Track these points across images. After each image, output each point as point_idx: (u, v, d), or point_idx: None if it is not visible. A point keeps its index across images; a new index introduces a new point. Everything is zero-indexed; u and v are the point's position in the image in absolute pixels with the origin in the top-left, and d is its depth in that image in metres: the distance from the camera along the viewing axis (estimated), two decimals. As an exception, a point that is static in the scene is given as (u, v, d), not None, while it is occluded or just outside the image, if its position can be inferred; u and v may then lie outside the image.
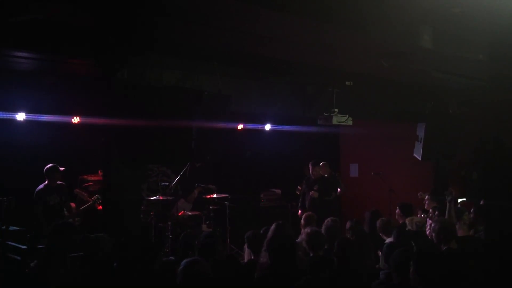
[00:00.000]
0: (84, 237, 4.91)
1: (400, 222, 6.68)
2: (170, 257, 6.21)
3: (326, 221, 5.83)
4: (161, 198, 8.55)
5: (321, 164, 9.59)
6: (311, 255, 5.02)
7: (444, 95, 9.65)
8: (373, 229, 6.30)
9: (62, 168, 7.19)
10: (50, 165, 7.13)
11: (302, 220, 6.34)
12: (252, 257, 5.21)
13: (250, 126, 9.87)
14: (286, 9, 4.88)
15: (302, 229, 6.20)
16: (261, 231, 5.55)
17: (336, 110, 8.20)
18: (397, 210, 6.96)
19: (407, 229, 6.17)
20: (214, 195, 9.03)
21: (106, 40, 5.42)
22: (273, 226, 5.43)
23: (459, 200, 8.83)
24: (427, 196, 7.90)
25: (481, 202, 7.98)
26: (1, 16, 4.27)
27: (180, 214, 8.75)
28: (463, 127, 9.78)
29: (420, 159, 9.40)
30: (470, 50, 6.75)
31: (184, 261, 3.89)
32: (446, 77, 7.70)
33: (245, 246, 5.55)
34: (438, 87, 9.01)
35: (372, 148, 10.98)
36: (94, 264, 4.60)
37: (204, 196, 9.14)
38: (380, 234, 6.12)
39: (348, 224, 6.03)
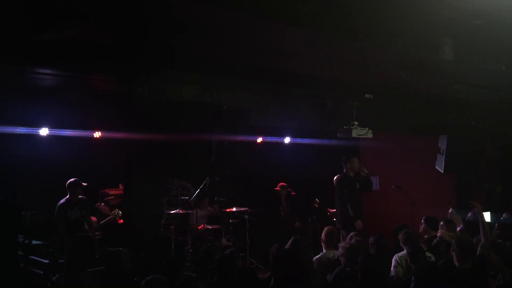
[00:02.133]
0: (104, 251, 4.92)
1: (425, 236, 6.55)
2: (188, 273, 6.20)
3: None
4: (181, 211, 8.55)
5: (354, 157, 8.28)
6: (348, 269, 4.97)
7: (466, 107, 9.53)
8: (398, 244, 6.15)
9: (84, 184, 7.24)
10: (72, 179, 7.19)
11: (323, 236, 6.19)
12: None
13: (269, 139, 9.86)
14: (306, 24, 4.89)
15: (323, 244, 6.10)
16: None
17: (355, 123, 8.15)
18: (423, 224, 6.78)
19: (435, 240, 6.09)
20: (234, 209, 9.02)
21: (127, 57, 5.50)
22: (290, 241, 5.38)
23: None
24: (450, 210, 7.76)
25: (504, 215, 7.84)
26: (25, 35, 4.38)
27: (200, 227, 8.75)
28: (485, 139, 9.62)
29: (442, 171, 9.27)
30: (492, 62, 6.67)
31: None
32: (467, 89, 7.62)
33: None
34: (459, 99, 8.90)
35: (393, 160, 10.83)
36: (114, 278, 4.62)
37: (224, 210, 9.14)
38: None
39: (371, 239, 5.92)
